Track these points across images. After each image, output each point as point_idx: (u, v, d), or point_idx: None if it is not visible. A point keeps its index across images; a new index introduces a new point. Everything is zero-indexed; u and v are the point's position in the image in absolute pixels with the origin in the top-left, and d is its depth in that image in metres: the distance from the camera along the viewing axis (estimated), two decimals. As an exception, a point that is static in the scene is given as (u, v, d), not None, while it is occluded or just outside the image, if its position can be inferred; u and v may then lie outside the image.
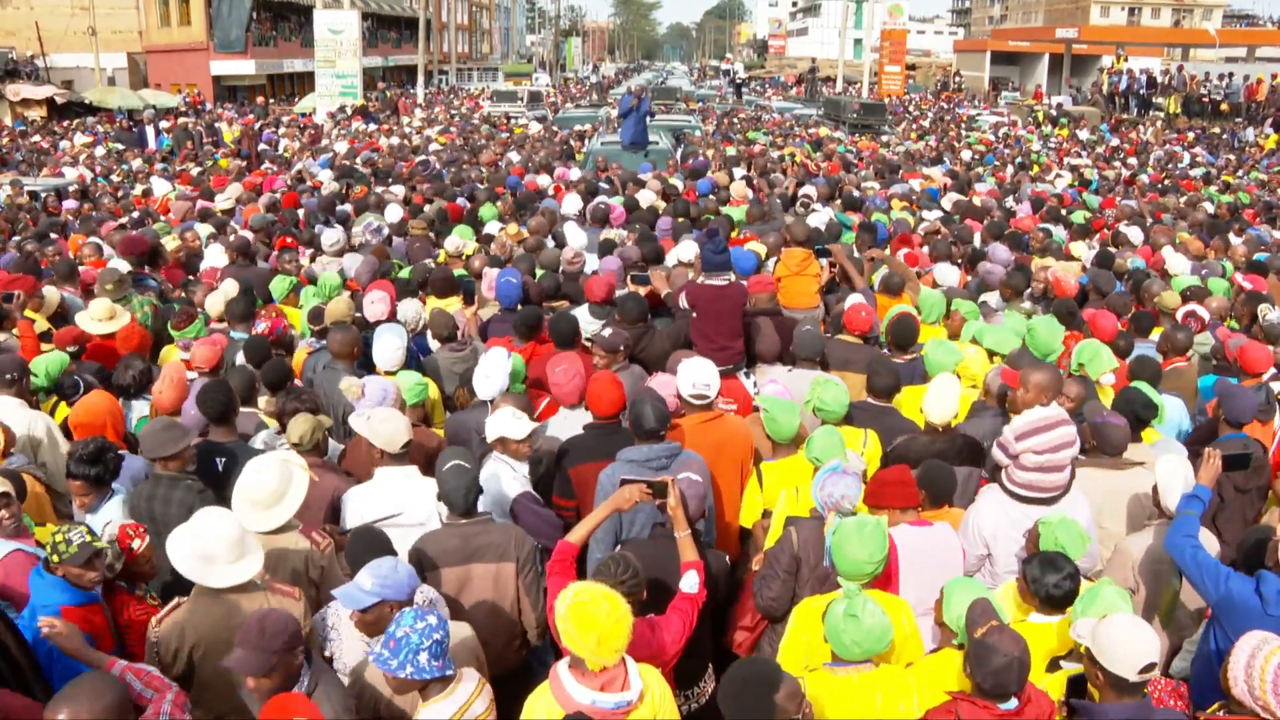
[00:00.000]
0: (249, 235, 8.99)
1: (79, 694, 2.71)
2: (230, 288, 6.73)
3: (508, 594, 4.01)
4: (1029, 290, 7.84)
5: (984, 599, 3.34)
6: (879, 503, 4.12)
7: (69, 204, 12.91)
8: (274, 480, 3.86)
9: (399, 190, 11.92)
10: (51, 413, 5.38)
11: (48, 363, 5.59)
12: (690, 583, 3.67)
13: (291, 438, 4.51)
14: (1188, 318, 7.00)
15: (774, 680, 2.91)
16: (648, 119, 15.92)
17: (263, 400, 5.40)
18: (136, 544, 3.74)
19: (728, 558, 4.37)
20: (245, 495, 3.84)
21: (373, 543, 3.71)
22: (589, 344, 5.79)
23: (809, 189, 11.72)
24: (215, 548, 3.48)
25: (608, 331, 5.62)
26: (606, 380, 4.80)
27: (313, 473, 4.20)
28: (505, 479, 4.49)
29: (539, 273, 7.33)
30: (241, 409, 5.19)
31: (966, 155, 21.20)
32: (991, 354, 5.93)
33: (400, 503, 4.31)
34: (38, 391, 5.49)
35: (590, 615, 2.94)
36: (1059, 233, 10.37)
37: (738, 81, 42.74)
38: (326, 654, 3.69)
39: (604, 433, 4.71)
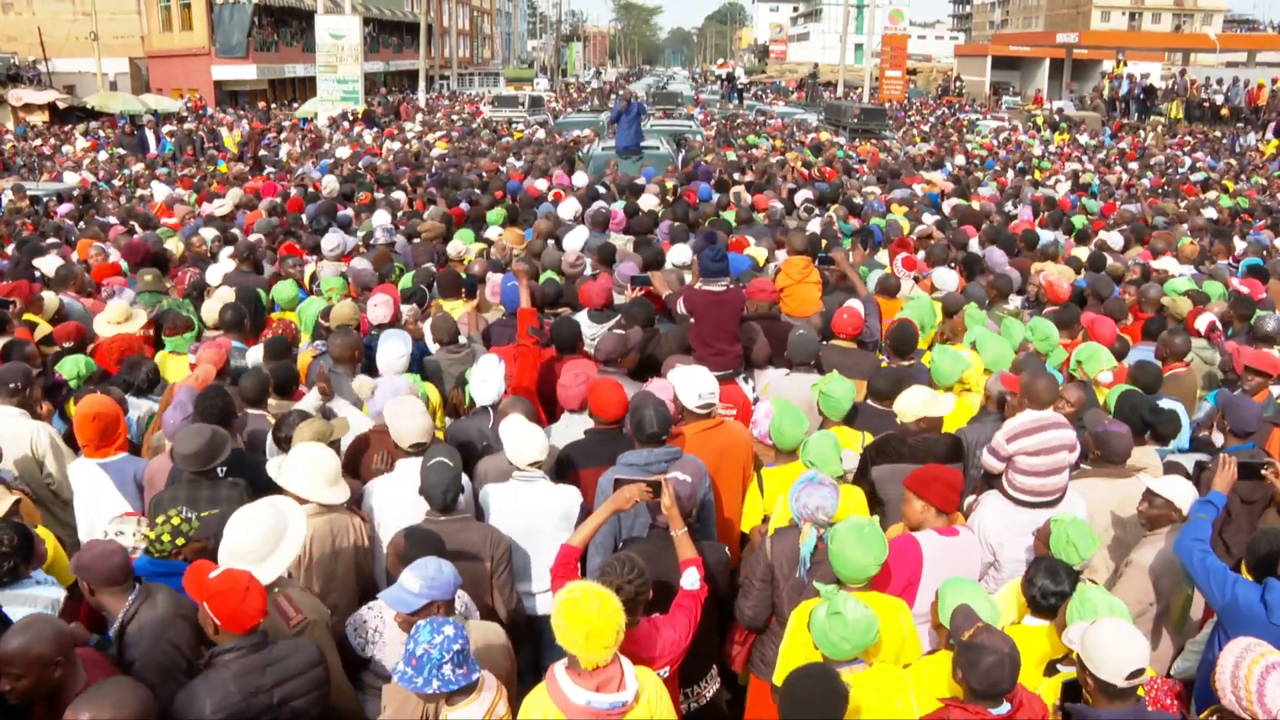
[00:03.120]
0: (258, 239, 9.02)
1: (103, 697, 2.78)
2: (226, 294, 6.74)
3: (481, 593, 4.04)
4: (1023, 295, 7.86)
5: (965, 605, 3.36)
6: (921, 493, 4.10)
7: (64, 208, 12.94)
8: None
9: (400, 196, 11.96)
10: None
11: (75, 364, 5.70)
12: (691, 579, 3.71)
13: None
14: (1210, 332, 7.01)
15: (843, 686, 2.95)
16: (640, 122, 16.02)
17: (272, 402, 5.41)
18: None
19: (727, 548, 4.40)
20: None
21: (426, 541, 3.71)
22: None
23: (806, 193, 11.74)
24: (241, 548, 3.51)
25: (611, 334, 5.65)
26: (610, 385, 4.81)
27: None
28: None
29: (542, 277, 7.36)
30: (251, 411, 5.21)
31: (961, 160, 21.20)
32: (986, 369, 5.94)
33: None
34: (71, 393, 5.57)
35: (580, 611, 2.97)
36: (1056, 236, 10.38)
37: (739, 86, 42.73)
38: (365, 655, 3.70)
39: (606, 437, 4.72)
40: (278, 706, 3.23)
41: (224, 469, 4.35)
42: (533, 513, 4.35)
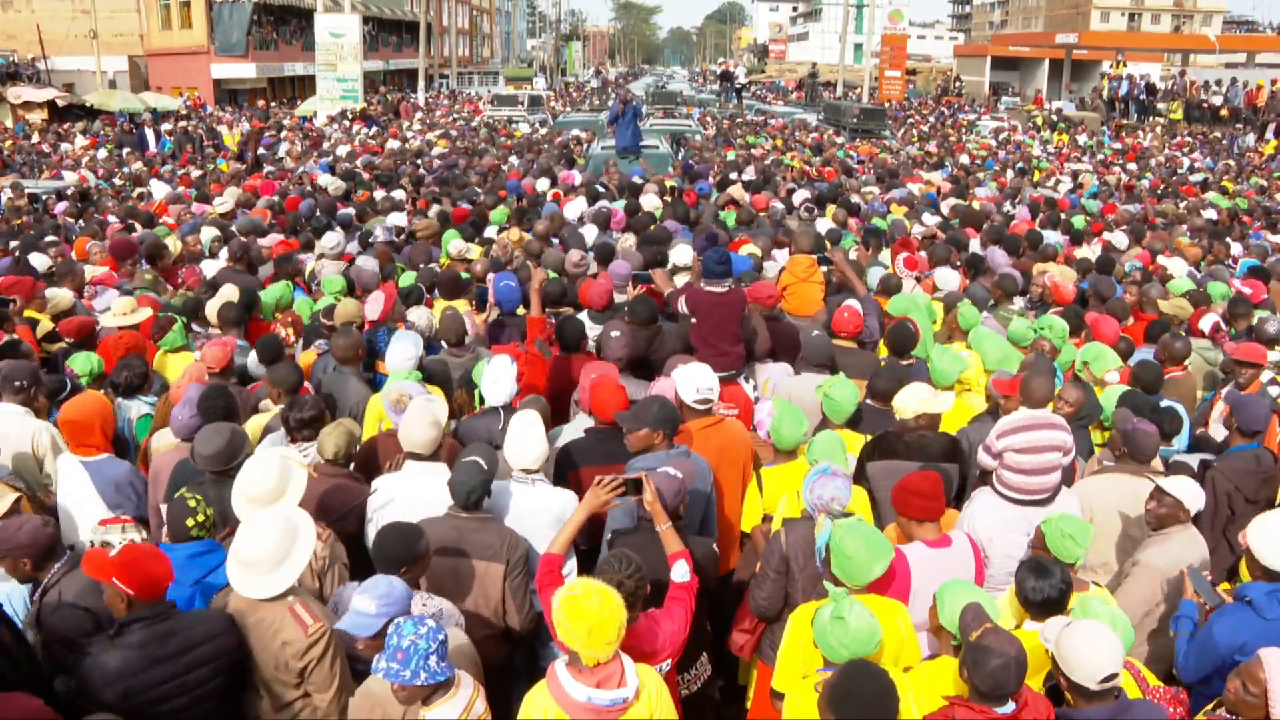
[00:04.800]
0: (253, 241, 9.01)
1: None
2: (229, 292, 6.74)
3: (493, 593, 4.04)
4: (1026, 295, 7.86)
5: (976, 603, 3.34)
6: (902, 510, 4.12)
7: (61, 206, 12.93)
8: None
9: (401, 195, 11.97)
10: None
11: (88, 361, 5.73)
12: (681, 572, 3.73)
13: (325, 453, 4.49)
14: (1215, 332, 7.03)
15: (894, 685, 2.93)
16: (638, 122, 16.11)
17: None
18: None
19: (715, 544, 4.39)
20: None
21: (402, 534, 3.70)
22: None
23: (805, 193, 11.74)
24: (252, 557, 3.47)
25: (614, 334, 5.66)
26: (611, 385, 4.82)
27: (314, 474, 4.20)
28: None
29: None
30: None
31: (964, 160, 21.23)
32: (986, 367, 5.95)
33: (417, 495, 4.32)
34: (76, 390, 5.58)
35: (582, 607, 2.97)
36: (1056, 237, 10.39)
37: (737, 86, 42.65)
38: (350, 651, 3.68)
39: (605, 436, 4.74)
40: (183, 674, 3.33)
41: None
42: (526, 512, 4.33)
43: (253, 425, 5.17)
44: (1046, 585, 3.56)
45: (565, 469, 4.72)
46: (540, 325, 5.86)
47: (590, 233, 8.87)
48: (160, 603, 3.36)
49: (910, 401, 4.94)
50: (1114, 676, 3.10)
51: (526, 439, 4.34)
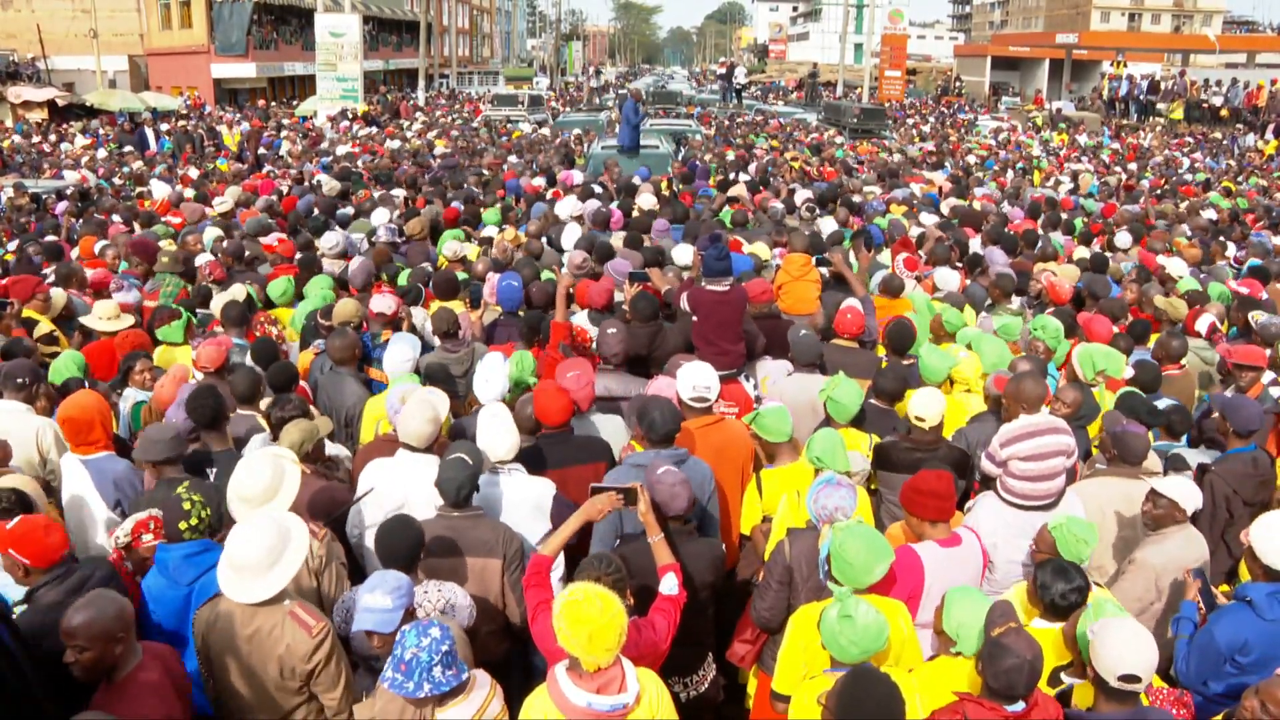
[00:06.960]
0: (250, 240, 9.01)
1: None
2: (238, 291, 6.75)
3: (492, 588, 4.05)
4: (1024, 295, 7.85)
5: (1005, 601, 3.33)
6: (914, 511, 4.11)
7: (61, 206, 12.93)
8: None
9: (400, 194, 11.97)
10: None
11: (67, 367, 5.78)
12: (669, 585, 3.72)
13: (284, 447, 4.47)
14: (1212, 333, 7.01)
15: (899, 690, 2.92)
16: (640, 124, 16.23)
17: (265, 402, 5.40)
18: (147, 537, 3.87)
19: (723, 545, 4.38)
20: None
21: (411, 528, 3.73)
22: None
23: (806, 193, 11.74)
24: (244, 560, 3.41)
25: (611, 331, 5.67)
26: (553, 390, 4.83)
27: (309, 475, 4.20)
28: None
29: (544, 276, 7.36)
30: (241, 410, 5.20)
31: (972, 159, 21.21)
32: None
33: (409, 489, 4.33)
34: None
35: (582, 613, 2.96)
36: (1057, 237, 10.38)
37: (737, 86, 42.59)
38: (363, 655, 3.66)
39: (555, 441, 4.76)
40: None
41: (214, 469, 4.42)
42: (508, 503, 4.35)
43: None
44: (1074, 590, 3.55)
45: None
46: (564, 330, 5.88)
47: (572, 232, 8.86)
48: (60, 564, 3.59)
49: (936, 406, 4.88)
50: (1134, 679, 3.08)
51: (497, 430, 4.36)
